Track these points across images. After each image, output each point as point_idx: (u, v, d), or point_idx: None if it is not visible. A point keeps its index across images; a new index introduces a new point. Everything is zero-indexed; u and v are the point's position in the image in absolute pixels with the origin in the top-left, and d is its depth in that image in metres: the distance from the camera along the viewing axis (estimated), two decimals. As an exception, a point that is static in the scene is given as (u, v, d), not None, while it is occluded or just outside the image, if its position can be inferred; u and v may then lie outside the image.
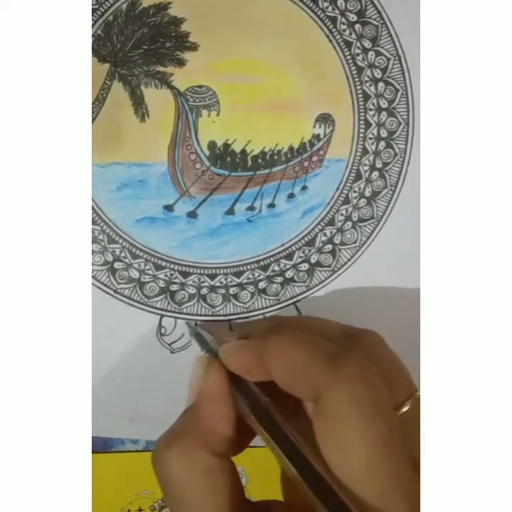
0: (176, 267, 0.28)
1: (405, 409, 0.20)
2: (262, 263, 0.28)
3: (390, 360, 0.22)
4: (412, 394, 0.20)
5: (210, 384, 0.21)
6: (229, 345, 0.22)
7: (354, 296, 0.29)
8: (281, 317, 0.26)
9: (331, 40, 0.27)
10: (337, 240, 0.29)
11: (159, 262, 0.28)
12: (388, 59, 0.28)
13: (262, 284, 0.28)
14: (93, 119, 0.26)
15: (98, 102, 0.26)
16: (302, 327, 0.22)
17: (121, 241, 0.27)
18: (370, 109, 0.28)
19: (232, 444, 0.20)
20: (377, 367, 0.19)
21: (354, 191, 0.28)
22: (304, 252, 0.29)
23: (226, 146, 0.27)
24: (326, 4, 0.27)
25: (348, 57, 0.28)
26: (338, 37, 0.27)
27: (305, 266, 0.29)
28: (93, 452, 0.29)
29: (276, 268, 0.29)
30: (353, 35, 0.28)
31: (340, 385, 0.18)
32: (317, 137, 0.28)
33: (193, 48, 0.27)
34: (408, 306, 0.29)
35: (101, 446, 0.29)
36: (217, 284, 0.28)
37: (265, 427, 0.19)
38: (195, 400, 0.21)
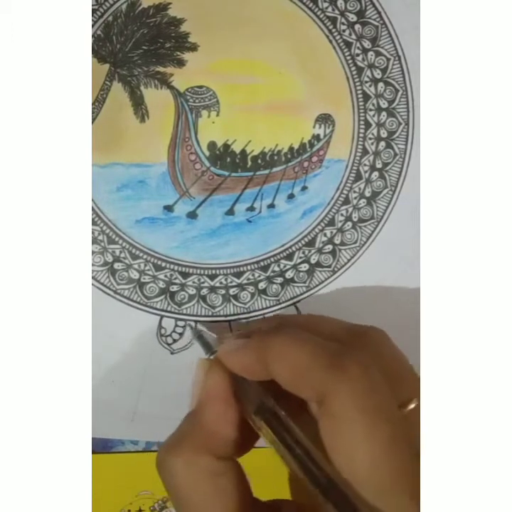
0: (176, 268, 0.28)
1: (412, 406, 0.19)
2: (262, 263, 0.28)
3: (395, 357, 0.21)
4: (418, 390, 0.20)
5: (212, 386, 0.21)
6: (228, 345, 0.21)
7: (354, 297, 0.29)
8: (283, 316, 0.26)
9: (330, 41, 0.27)
10: (337, 240, 0.29)
11: (159, 262, 0.28)
12: (388, 59, 0.28)
13: (262, 285, 0.28)
14: (93, 120, 0.26)
15: (98, 102, 0.26)
16: (304, 326, 0.22)
17: (121, 241, 0.27)
18: (370, 110, 0.28)
19: (237, 446, 0.20)
20: (381, 365, 0.19)
21: (354, 191, 0.28)
22: (304, 253, 0.29)
23: (226, 146, 0.27)
24: (325, 4, 0.27)
25: (348, 58, 0.28)
26: (338, 37, 0.27)
27: (305, 266, 0.29)
28: (93, 453, 0.29)
29: (277, 268, 0.29)
30: (353, 36, 0.28)
31: (343, 385, 0.18)
32: (317, 137, 0.28)
33: (193, 48, 0.27)
34: (408, 306, 0.29)
35: (101, 446, 0.29)
36: (217, 284, 0.28)
37: (271, 428, 0.19)
38: (197, 404, 0.21)
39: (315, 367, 0.18)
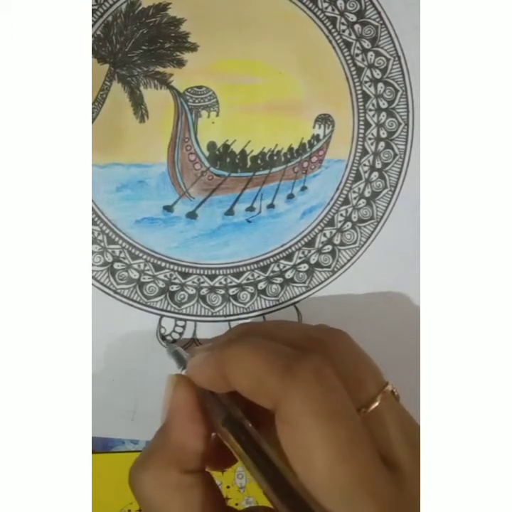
0: (176, 268, 0.28)
1: (376, 404, 0.19)
2: (261, 264, 0.28)
3: (356, 357, 0.21)
4: (381, 389, 0.20)
5: (178, 401, 0.21)
6: (194, 359, 0.21)
7: (353, 297, 0.29)
8: (244, 325, 0.25)
9: (330, 41, 0.27)
10: (337, 240, 0.29)
11: (159, 262, 0.28)
12: (388, 59, 0.28)
13: (261, 285, 0.28)
14: (93, 120, 0.26)
15: (98, 102, 0.26)
16: (264, 333, 0.22)
17: (120, 242, 0.27)
18: (370, 110, 0.28)
19: (205, 459, 0.20)
20: (339, 366, 0.19)
21: (354, 192, 0.28)
22: (303, 253, 0.29)
23: (226, 146, 0.27)
24: (325, 5, 0.27)
25: (348, 58, 0.28)
26: (337, 37, 0.27)
27: (305, 266, 0.29)
28: (93, 452, 0.29)
29: (276, 269, 0.29)
30: (353, 36, 0.28)
31: (296, 391, 0.17)
32: (317, 138, 0.28)
33: (193, 48, 0.27)
34: (408, 306, 0.29)
35: (101, 446, 0.29)
36: (217, 284, 0.28)
37: (236, 439, 0.19)
38: (166, 419, 0.21)
39: (268, 374, 0.18)
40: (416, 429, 0.19)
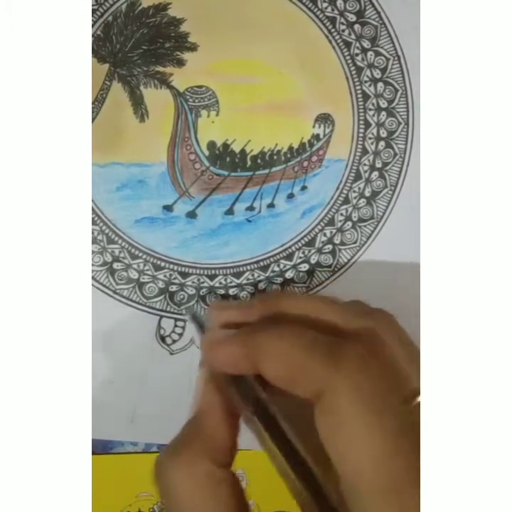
0: (175, 268, 0.28)
1: (419, 399, 0.18)
2: (261, 263, 0.28)
3: (402, 346, 0.20)
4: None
5: (212, 395, 0.20)
6: (212, 336, 0.21)
7: (354, 297, 0.29)
8: (272, 296, 0.23)
9: (330, 41, 0.27)
10: (337, 240, 0.29)
11: (158, 262, 0.28)
12: (387, 59, 0.28)
13: (261, 285, 0.28)
14: (93, 120, 0.26)
15: (98, 102, 0.26)
16: (299, 318, 0.21)
17: (120, 241, 0.27)
18: (370, 109, 0.28)
19: (233, 455, 0.20)
20: (384, 355, 0.18)
21: (354, 191, 0.28)
22: (303, 253, 0.29)
23: (225, 146, 0.27)
24: (325, 5, 0.27)
25: (348, 58, 0.28)
26: (337, 37, 0.27)
27: (305, 266, 0.29)
28: (93, 454, 0.29)
29: (276, 268, 0.28)
30: (353, 36, 0.28)
31: (340, 381, 0.17)
32: (317, 137, 0.28)
33: (193, 48, 0.27)
34: (408, 306, 0.29)
35: (100, 447, 0.29)
36: (217, 284, 0.28)
37: (268, 432, 0.18)
38: (198, 411, 0.21)
39: (309, 363, 0.18)
40: None
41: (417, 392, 0.18)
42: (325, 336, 0.19)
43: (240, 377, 0.20)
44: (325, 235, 0.29)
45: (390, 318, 0.21)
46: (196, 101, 0.27)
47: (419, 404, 0.18)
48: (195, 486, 0.19)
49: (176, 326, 0.28)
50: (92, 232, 0.27)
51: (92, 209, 0.27)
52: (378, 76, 0.28)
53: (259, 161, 0.28)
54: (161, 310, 0.28)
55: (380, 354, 0.18)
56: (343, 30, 0.27)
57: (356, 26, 0.27)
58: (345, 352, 0.18)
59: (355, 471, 0.17)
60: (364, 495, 0.16)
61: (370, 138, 0.28)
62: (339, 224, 0.29)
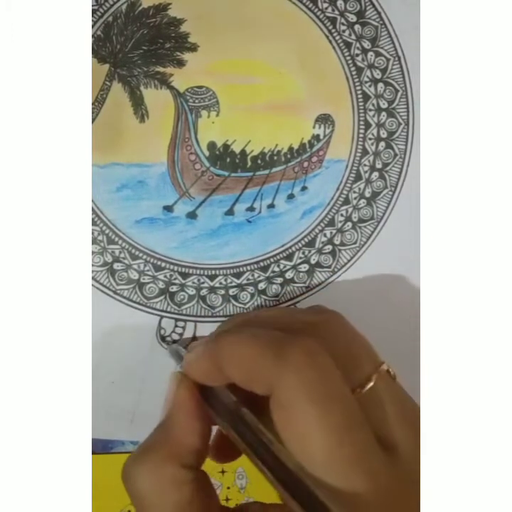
0: (176, 268, 0.28)
1: (371, 384, 0.19)
2: (261, 264, 0.28)
3: (350, 337, 0.21)
4: (377, 368, 0.20)
5: (179, 398, 0.21)
6: (189, 355, 0.21)
7: (354, 297, 0.29)
8: (240, 315, 0.25)
9: (330, 41, 0.27)
10: (337, 240, 0.29)
11: (159, 262, 0.28)
12: (388, 59, 0.28)
13: (261, 285, 0.28)
14: (93, 120, 0.26)
15: (98, 102, 0.26)
16: (258, 322, 0.22)
17: (120, 242, 0.27)
18: (370, 110, 0.28)
19: (203, 456, 0.20)
20: (333, 347, 0.19)
21: (354, 192, 0.28)
22: (303, 253, 0.29)
23: (226, 146, 0.27)
24: (325, 5, 0.27)
25: (348, 58, 0.28)
26: (337, 37, 0.27)
27: (305, 267, 0.29)
28: (93, 453, 0.29)
29: (276, 269, 0.28)
30: (353, 36, 0.28)
31: (288, 375, 0.17)
32: (317, 138, 0.28)
33: (193, 48, 0.27)
34: (408, 306, 0.29)
35: (101, 447, 0.29)
36: (217, 285, 0.28)
37: (239, 435, 0.19)
38: (165, 415, 0.21)
39: (261, 360, 0.18)
40: (414, 408, 0.19)
41: (370, 378, 0.19)
42: (276, 333, 0.19)
43: (211, 388, 0.20)
44: (325, 235, 0.29)
45: (338, 314, 0.22)
46: (196, 101, 0.27)
47: (367, 392, 0.19)
48: (160, 489, 0.19)
49: (176, 326, 0.28)
50: (92, 233, 0.27)
51: (92, 209, 0.27)
52: (378, 76, 0.28)
53: (259, 161, 0.28)
54: (162, 310, 0.28)
55: (327, 346, 0.18)
56: (344, 31, 0.27)
57: (356, 27, 0.27)
58: (292, 347, 0.18)
59: (308, 463, 0.17)
60: (321, 486, 0.16)
61: (370, 138, 0.28)
62: (339, 224, 0.29)
